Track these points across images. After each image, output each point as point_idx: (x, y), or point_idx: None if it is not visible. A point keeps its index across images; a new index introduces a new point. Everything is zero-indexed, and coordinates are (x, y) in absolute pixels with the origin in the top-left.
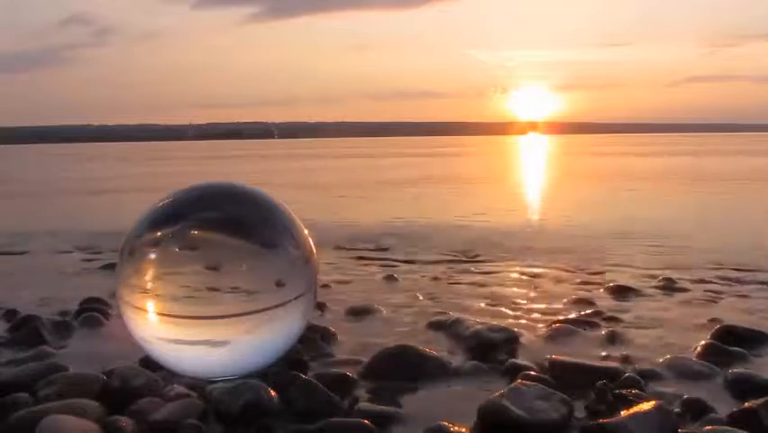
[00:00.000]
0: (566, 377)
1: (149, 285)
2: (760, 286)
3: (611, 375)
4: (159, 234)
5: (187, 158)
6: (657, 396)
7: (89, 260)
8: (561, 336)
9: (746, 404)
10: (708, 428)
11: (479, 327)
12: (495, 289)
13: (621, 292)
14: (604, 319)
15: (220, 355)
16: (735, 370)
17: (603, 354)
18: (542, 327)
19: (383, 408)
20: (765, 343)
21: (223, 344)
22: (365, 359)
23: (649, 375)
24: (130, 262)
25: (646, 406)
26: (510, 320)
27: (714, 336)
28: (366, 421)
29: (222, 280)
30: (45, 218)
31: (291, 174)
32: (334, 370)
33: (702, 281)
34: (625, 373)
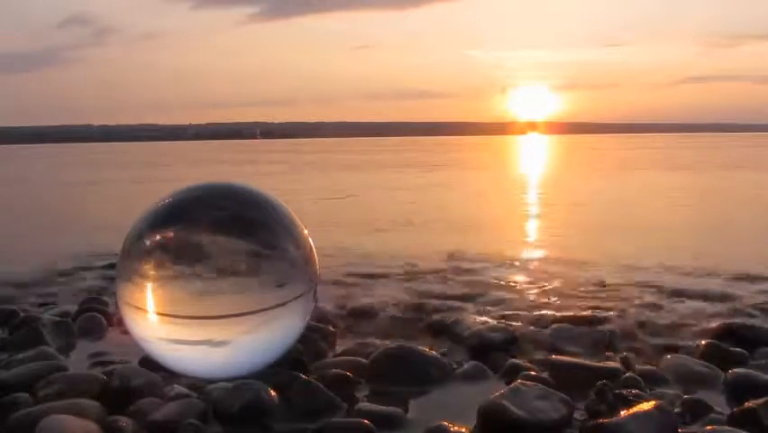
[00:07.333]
0: (566, 377)
1: (149, 285)
2: (760, 287)
3: (611, 375)
4: (159, 234)
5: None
6: (657, 396)
7: (89, 260)
8: (561, 336)
9: (746, 404)
10: (708, 428)
11: (479, 327)
12: (495, 290)
13: (621, 293)
14: (604, 320)
15: (220, 355)
16: (735, 370)
17: (603, 354)
18: (542, 328)
19: (383, 408)
20: (765, 343)
21: (223, 344)
22: (365, 359)
23: (649, 375)
24: (130, 262)
25: (646, 406)
26: (510, 320)
27: (714, 336)
28: (366, 421)
29: (222, 280)
30: (42, 220)
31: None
32: (334, 370)
33: (702, 283)
34: (625, 373)
